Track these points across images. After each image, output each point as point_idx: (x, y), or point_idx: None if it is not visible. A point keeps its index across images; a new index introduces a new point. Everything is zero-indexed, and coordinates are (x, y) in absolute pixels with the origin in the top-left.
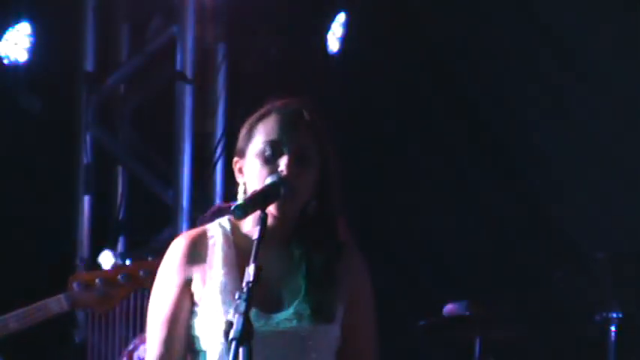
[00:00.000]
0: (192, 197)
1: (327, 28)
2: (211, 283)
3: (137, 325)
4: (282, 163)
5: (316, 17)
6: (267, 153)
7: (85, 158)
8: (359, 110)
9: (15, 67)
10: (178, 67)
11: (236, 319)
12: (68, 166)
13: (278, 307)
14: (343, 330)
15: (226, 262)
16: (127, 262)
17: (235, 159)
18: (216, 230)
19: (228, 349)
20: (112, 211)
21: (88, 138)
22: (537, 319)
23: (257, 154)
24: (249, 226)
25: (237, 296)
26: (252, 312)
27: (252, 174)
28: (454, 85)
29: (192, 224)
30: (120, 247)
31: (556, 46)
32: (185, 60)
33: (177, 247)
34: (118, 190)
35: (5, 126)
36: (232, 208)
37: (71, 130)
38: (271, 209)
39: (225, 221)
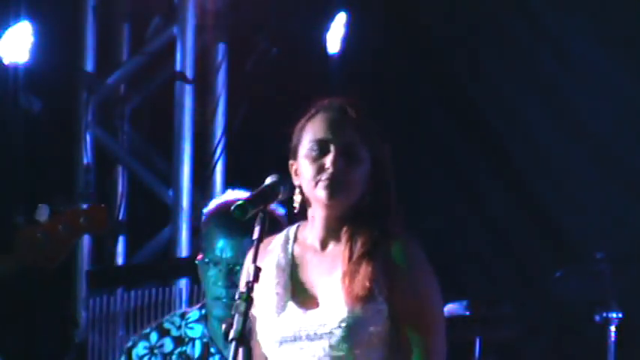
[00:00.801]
0: (192, 197)
1: (327, 28)
2: (262, 291)
3: (137, 325)
4: (328, 160)
5: (316, 17)
6: (315, 152)
7: (85, 158)
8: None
9: (15, 67)
10: (178, 67)
11: (236, 319)
12: (68, 166)
13: (322, 303)
14: (394, 323)
15: (277, 269)
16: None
17: (290, 162)
18: (280, 235)
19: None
20: (111, 211)
21: (88, 138)
22: (537, 319)
23: (306, 155)
24: (309, 229)
25: (237, 296)
26: (292, 310)
27: (303, 174)
28: (454, 85)
29: (193, 224)
30: (120, 247)
31: (556, 46)
32: (185, 60)
33: (247, 258)
34: (118, 190)
35: (5, 126)
36: (232, 208)
37: (71, 130)
38: (323, 208)
39: (295, 226)
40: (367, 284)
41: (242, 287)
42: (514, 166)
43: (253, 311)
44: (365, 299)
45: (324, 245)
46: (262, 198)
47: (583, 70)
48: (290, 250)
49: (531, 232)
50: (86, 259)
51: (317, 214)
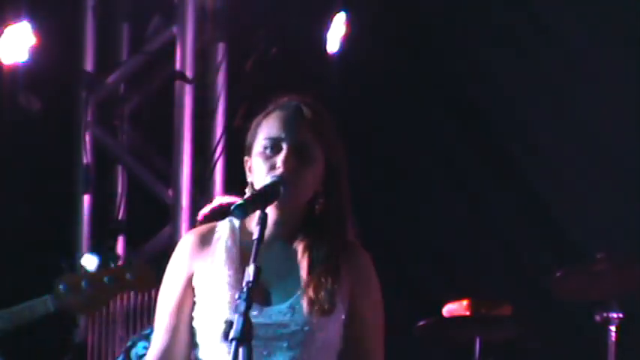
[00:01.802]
0: (192, 197)
1: (327, 28)
2: (210, 278)
3: (137, 325)
4: (279, 158)
5: (316, 17)
6: (267, 150)
7: (85, 158)
8: (359, 110)
9: (15, 67)
10: (178, 67)
11: (236, 319)
12: (68, 166)
13: (275, 301)
14: (347, 330)
15: (227, 259)
16: (112, 265)
17: (245, 158)
18: (224, 226)
19: (225, 348)
20: (111, 211)
21: (88, 138)
22: (537, 319)
23: (259, 152)
24: (255, 224)
25: (237, 296)
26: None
27: (255, 171)
28: (454, 85)
29: (193, 224)
30: (120, 247)
31: (556, 46)
32: (185, 60)
33: (185, 242)
34: (117, 190)
35: (5, 126)
36: (232, 208)
37: (71, 130)
38: (273, 205)
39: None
40: (331, 296)
41: (242, 287)
42: (514, 166)
43: (193, 297)
44: (328, 312)
45: (274, 243)
46: (262, 198)
47: (584, 69)
48: (238, 241)
49: (531, 232)
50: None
51: (269, 212)
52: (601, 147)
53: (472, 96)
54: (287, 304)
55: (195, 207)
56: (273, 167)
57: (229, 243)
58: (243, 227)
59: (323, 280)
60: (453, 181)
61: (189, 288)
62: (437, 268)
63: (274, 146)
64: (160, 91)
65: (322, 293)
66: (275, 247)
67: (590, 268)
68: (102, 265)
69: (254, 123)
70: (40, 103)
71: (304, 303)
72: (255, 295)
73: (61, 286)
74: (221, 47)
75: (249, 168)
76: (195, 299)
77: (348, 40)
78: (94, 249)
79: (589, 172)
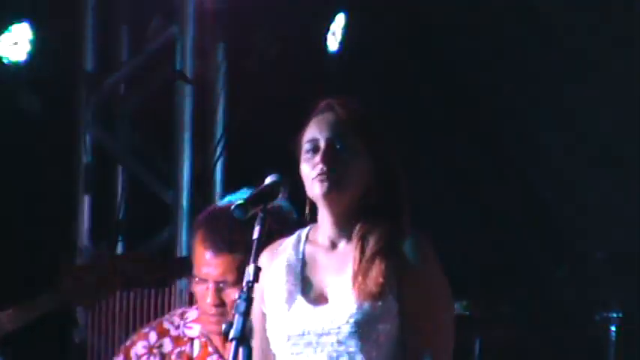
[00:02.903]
0: (192, 197)
1: (327, 29)
2: (273, 290)
3: (137, 325)
4: (318, 156)
5: (316, 17)
6: (308, 152)
7: (85, 158)
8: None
9: (15, 67)
10: (178, 67)
11: (236, 319)
12: (68, 166)
13: (330, 300)
14: (404, 325)
15: (287, 267)
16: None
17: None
18: (292, 237)
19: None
20: (111, 211)
21: (88, 138)
22: (537, 319)
23: (303, 158)
24: (320, 230)
25: (236, 296)
26: (301, 306)
27: (304, 177)
28: (455, 85)
29: (192, 224)
30: (119, 247)
31: (557, 46)
32: (185, 60)
33: (261, 260)
34: (117, 190)
35: (5, 126)
36: (232, 207)
37: (71, 130)
38: (323, 205)
39: (307, 227)
40: (380, 280)
41: (242, 287)
42: (515, 166)
43: (264, 309)
44: (376, 296)
45: (334, 244)
46: (262, 198)
47: (585, 69)
48: (301, 249)
49: (531, 232)
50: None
51: (323, 214)
52: (601, 147)
53: (472, 96)
54: (340, 298)
55: (195, 207)
56: (314, 166)
57: (291, 252)
58: (310, 235)
59: (370, 264)
60: (453, 181)
61: (264, 304)
62: None
63: (314, 148)
64: (159, 91)
65: (369, 278)
66: (336, 248)
67: (590, 268)
68: (105, 257)
69: (300, 134)
70: (40, 103)
71: (352, 293)
72: (313, 297)
73: (65, 279)
74: (221, 47)
75: (302, 178)
76: (265, 311)
77: (348, 40)
78: (96, 243)
79: (589, 172)
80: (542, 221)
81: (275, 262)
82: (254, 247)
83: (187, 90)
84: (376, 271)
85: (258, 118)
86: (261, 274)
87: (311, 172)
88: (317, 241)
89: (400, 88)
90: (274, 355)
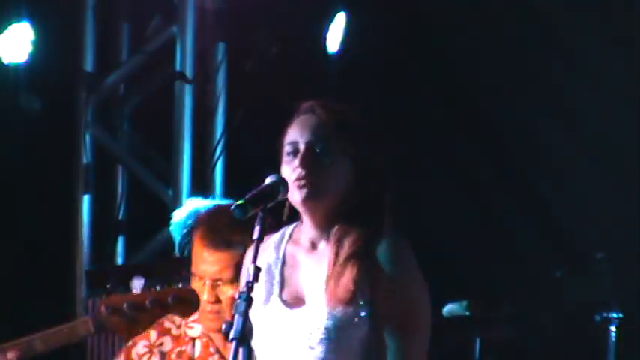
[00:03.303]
0: (192, 197)
1: (327, 29)
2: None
3: None
4: (297, 160)
5: (316, 17)
6: (289, 155)
7: (85, 158)
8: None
9: (15, 67)
10: (178, 67)
11: (236, 319)
12: (68, 166)
13: (307, 302)
14: (378, 329)
15: (268, 266)
16: (157, 288)
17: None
18: (277, 234)
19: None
20: (111, 211)
21: (88, 138)
22: (537, 319)
23: (283, 159)
24: (303, 229)
25: (237, 296)
26: (276, 307)
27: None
28: (455, 85)
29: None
30: (119, 247)
31: (558, 46)
32: (185, 60)
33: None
34: (117, 190)
35: (5, 126)
36: (232, 207)
37: (71, 130)
38: (303, 209)
39: (293, 225)
40: (351, 287)
41: (242, 287)
42: (515, 166)
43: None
44: (347, 302)
45: (314, 244)
46: (262, 198)
47: (585, 69)
48: (282, 248)
49: (531, 232)
50: (86, 259)
51: (304, 216)
52: (601, 147)
53: (472, 96)
54: (314, 302)
55: None
56: (293, 170)
57: (273, 250)
58: (294, 233)
59: (343, 269)
60: (453, 181)
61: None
62: (437, 268)
63: (294, 151)
64: (159, 91)
65: (341, 283)
66: (316, 248)
67: (590, 268)
68: (145, 287)
69: (283, 136)
70: (40, 103)
71: (324, 297)
72: (288, 298)
73: (103, 307)
74: (221, 47)
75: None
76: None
77: (347, 40)
78: (139, 272)
79: (589, 172)
80: (542, 221)
81: (259, 261)
82: (254, 247)
83: (187, 90)
84: (348, 277)
85: (258, 118)
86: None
87: (290, 176)
88: (299, 241)
89: (400, 88)
90: None
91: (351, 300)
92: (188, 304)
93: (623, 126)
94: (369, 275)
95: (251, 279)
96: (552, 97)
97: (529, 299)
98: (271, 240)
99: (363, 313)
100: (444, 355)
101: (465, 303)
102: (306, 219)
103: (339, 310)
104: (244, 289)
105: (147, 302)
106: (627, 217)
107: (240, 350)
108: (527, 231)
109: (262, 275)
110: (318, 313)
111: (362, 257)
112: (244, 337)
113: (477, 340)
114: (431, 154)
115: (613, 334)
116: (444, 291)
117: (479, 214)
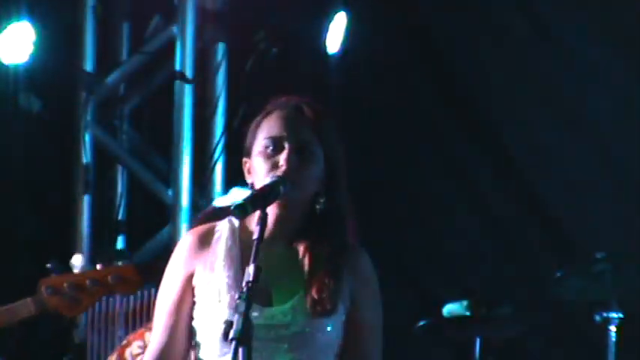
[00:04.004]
0: (192, 197)
1: (327, 28)
2: (209, 279)
3: (137, 325)
4: (282, 157)
5: (316, 17)
6: (269, 149)
7: (85, 158)
8: (359, 111)
9: (15, 67)
10: (178, 67)
11: (236, 319)
12: (68, 166)
13: (276, 302)
14: (346, 332)
15: (228, 258)
16: (97, 267)
17: (244, 160)
18: (224, 226)
19: (225, 347)
20: (111, 211)
21: (87, 138)
22: (537, 319)
23: (260, 152)
24: (255, 223)
25: (237, 296)
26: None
27: (256, 171)
28: (455, 85)
29: (192, 224)
30: (119, 246)
31: (558, 46)
32: (185, 60)
33: (184, 242)
34: (117, 190)
35: (5, 126)
36: (232, 207)
37: (71, 130)
38: (274, 204)
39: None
40: (336, 299)
41: (242, 287)
42: (515, 166)
43: (193, 297)
44: (327, 312)
45: (275, 242)
46: (262, 198)
47: (584, 69)
48: (238, 241)
49: (531, 232)
50: (86, 259)
51: (270, 211)
52: (601, 147)
53: (472, 95)
54: (288, 305)
55: (195, 207)
56: (275, 166)
57: (229, 243)
58: (243, 227)
59: (326, 281)
60: (454, 181)
61: (188, 288)
62: (437, 268)
63: (276, 145)
64: (159, 91)
65: (325, 294)
66: (275, 247)
67: (590, 268)
68: (87, 266)
69: (253, 124)
70: (40, 103)
71: (306, 304)
72: (255, 295)
73: (44, 288)
74: (221, 47)
75: (249, 169)
76: (195, 299)
77: (347, 40)
78: (94, 248)
79: (589, 172)
80: (542, 221)
81: (210, 250)
82: (254, 247)
83: (187, 90)
84: (331, 290)
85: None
86: (190, 259)
87: (270, 171)
88: (253, 235)
89: (400, 88)
90: (186, 343)
91: (334, 309)
92: (129, 283)
93: (623, 126)
94: (349, 285)
95: (251, 279)
96: (552, 97)
97: (529, 299)
98: (222, 228)
99: (341, 320)
100: (444, 355)
101: (465, 303)
102: (271, 215)
103: (322, 319)
104: (244, 289)
105: (87, 282)
106: (627, 217)
107: (240, 350)
108: (528, 231)
109: (222, 266)
110: (302, 319)
111: (340, 267)
112: (244, 337)
113: (477, 340)
114: (431, 153)
115: (613, 334)
116: (444, 291)
117: (479, 214)
